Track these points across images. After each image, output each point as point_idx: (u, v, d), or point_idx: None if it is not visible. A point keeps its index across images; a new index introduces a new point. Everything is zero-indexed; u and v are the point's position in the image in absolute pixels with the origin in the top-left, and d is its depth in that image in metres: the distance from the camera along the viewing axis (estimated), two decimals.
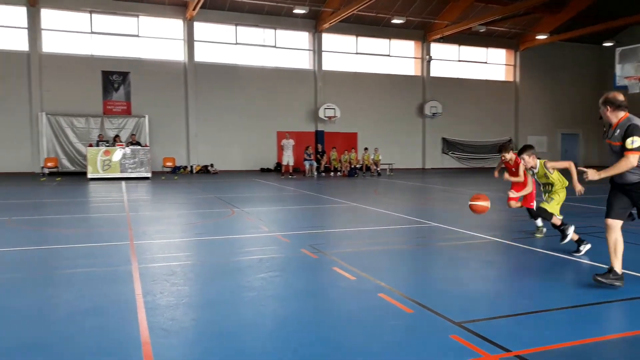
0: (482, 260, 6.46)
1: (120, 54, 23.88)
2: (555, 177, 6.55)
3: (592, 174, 4.75)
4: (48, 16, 22.84)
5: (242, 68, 26.04)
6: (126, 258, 6.31)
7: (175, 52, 24.97)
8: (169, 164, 23.71)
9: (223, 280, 5.39)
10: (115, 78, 23.62)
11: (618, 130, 4.76)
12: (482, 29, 28.16)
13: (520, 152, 6.65)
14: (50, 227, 8.84)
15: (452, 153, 30.95)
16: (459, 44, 30.88)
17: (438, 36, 29.02)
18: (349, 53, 28.64)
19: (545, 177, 6.54)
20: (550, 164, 6.48)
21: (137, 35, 24.30)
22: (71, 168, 22.25)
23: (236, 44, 26.11)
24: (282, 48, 27.12)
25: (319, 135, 27.37)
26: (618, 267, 4.87)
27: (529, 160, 6.48)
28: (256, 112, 26.23)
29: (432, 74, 30.39)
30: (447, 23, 27.96)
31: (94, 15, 23.48)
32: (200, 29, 25.26)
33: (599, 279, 4.85)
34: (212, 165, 24.92)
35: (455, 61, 31.39)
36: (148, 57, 24.39)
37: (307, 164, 23.18)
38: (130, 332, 3.88)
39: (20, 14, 22.25)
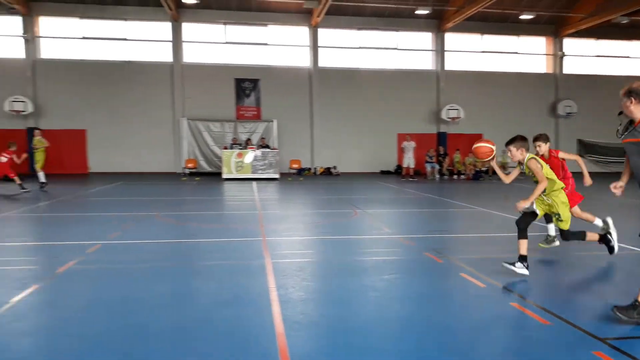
0: (628, 273, 5.92)
1: (251, 62, 25.37)
2: (543, 176, 5.55)
3: None
4: (188, 29, 24.97)
5: (363, 71, 26.32)
6: (259, 253, 6.73)
7: (301, 59, 25.93)
8: (295, 165, 24.68)
9: (348, 279, 5.53)
10: (246, 85, 25.17)
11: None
12: (625, 20, 25.54)
13: (508, 143, 5.63)
14: (192, 222, 9.68)
15: (589, 156, 28.44)
16: (596, 37, 28.34)
17: (572, 30, 26.88)
18: (474, 52, 27.64)
19: (532, 176, 5.65)
20: (531, 164, 5.50)
21: (266, 44, 25.63)
22: (208, 169, 24.07)
23: (358, 48, 26.45)
24: (404, 50, 26.95)
25: (441, 137, 26.75)
26: None
27: (516, 153, 5.55)
28: (377, 115, 26.34)
29: (565, 71, 28.25)
30: (582, 16, 25.80)
31: (228, 27, 25.21)
32: (324, 34, 25.97)
33: (618, 313, 4.00)
34: (334, 167, 25.49)
35: (592, 57, 28.88)
36: (276, 64, 25.61)
37: (428, 167, 22.77)
38: (265, 323, 4.15)
39: (165, 28, 24.60)
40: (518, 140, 5.54)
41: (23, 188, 14.40)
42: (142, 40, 24.61)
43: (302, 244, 7.69)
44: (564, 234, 5.64)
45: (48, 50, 23.95)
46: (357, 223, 9.72)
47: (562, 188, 5.61)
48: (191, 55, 25.02)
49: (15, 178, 14.56)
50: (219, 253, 6.94)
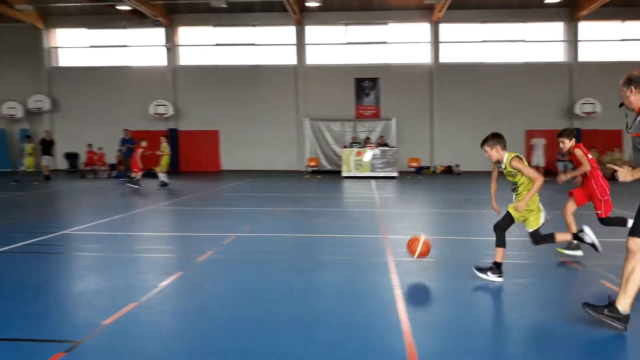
0: None
1: (370, 61, 25.51)
2: (525, 179, 5.21)
3: (624, 174, 3.68)
4: (311, 32, 25.75)
5: (487, 66, 25.22)
6: (381, 250, 6.79)
7: (421, 55, 25.52)
8: (413, 164, 24.39)
9: (475, 280, 5.38)
10: (366, 84, 25.38)
11: (639, 119, 3.72)
12: None
13: (482, 143, 5.38)
14: (315, 218, 10.02)
15: None
16: None
17: None
18: (612, 40, 25.18)
19: (511, 175, 5.30)
20: (516, 164, 5.12)
21: (386, 42, 25.61)
22: (328, 167, 24.69)
23: (482, 41, 25.40)
24: (532, 42, 25.35)
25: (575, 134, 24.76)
26: (624, 305, 3.81)
27: (492, 153, 5.26)
28: (502, 110, 25.10)
29: None
30: None
31: (349, 27, 25.59)
32: (446, 29, 25.31)
33: (590, 311, 3.94)
34: (457, 166, 24.75)
35: None
36: (395, 62, 25.48)
37: (560, 165, 21.23)
38: (391, 319, 4.20)
39: (290, 32, 25.60)
40: (490, 139, 5.31)
41: (131, 183, 15.89)
42: (268, 45, 25.86)
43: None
44: (531, 236, 5.35)
45: (186, 57, 26.12)
46: (481, 223, 9.39)
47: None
48: (313, 57, 25.77)
49: (134, 172, 16.13)
50: (343, 248, 7.13)
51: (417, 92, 25.33)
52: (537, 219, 5.26)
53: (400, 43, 25.62)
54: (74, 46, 26.48)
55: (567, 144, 6.44)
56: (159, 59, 25.91)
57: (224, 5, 22.52)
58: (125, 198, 13.93)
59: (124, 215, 10.36)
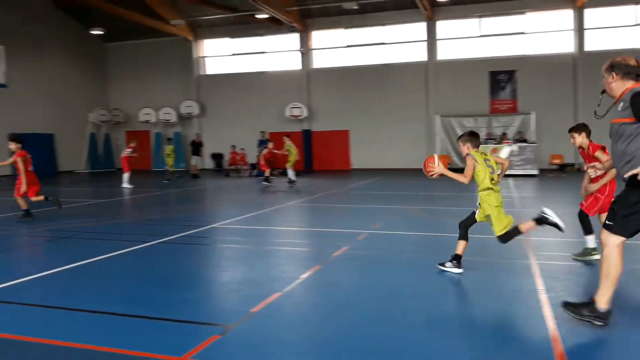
0: None
1: (506, 53, 24.19)
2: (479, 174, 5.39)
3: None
4: (442, 27, 25.12)
5: None
6: (522, 252, 6.48)
7: (563, 44, 23.62)
8: (556, 161, 22.68)
9: (631, 288, 4.92)
10: (501, 77, 24.11)
11: (622, 104, 3.57)
12: None
13: (458, 138, 5.69)
14: (445, 217, 9.80)
15: None
16: None
17: None
18: None
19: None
20: (468, 161, 5.36)
21: (523, 33, 24.10)
22: (460, 165, 23.83)
23: (635, 25, 22.80)
24: None
25: None
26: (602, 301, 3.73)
27: (463, 148, 5.59)
28: None
29: None
30: None
31: (482, 20, 24.51)
32: (592, 15, 23.14)
33: (569, 311, 3.87)
34: None
35: None
36: (534, 53, 23.88)
37: None
38: (536, 324, 4.01)
39: (420, 29, 25.21)
40: (464, 135, 5.63)
41: (266, 181, 16.77)
42: (398, 43, 25.74)
43: (569, 245, 7.10)
44: (499, 238, 5.34)
45: (318, 60, 27.00)
46: None
47: (488, 189, 5.36)
48: (445, 52, 25.13)
49: (263, 170, 17.06)
50: (478, 249, 6.88)
51: (559, 84, 23.50)
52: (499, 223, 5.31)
53: (539, 33, 23.97)
54: (219, 55, 28.76)
55: (578, 139, 6.18)
56: (294, 63, 27.11)
57: (355, 7, 22.89)
58: (265, 195, 14.81)
59: (264, 211, 11.04)
